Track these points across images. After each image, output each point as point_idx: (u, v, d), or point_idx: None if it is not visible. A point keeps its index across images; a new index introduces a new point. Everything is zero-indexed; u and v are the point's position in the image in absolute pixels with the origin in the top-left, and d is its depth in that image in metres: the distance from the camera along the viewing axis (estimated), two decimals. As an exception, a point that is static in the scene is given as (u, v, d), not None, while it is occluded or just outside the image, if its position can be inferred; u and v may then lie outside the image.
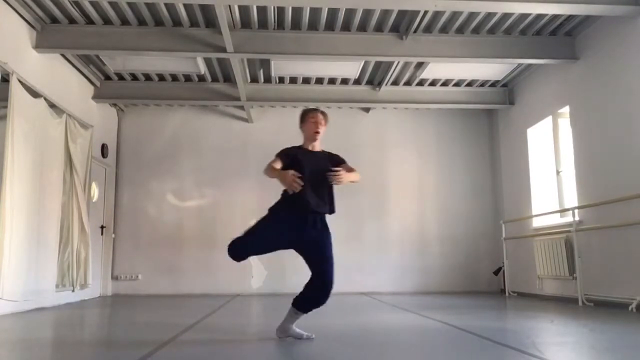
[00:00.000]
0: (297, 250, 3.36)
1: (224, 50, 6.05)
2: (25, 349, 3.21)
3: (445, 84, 7.97)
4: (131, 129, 8.57)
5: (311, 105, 8.42)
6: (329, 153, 3.55)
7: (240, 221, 7.70)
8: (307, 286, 3.30)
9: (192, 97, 7.91)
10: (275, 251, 3.38)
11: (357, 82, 7.89)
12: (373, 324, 4.27)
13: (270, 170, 3.29)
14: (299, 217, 3.27)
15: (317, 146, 3.50)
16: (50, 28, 5.95)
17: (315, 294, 3.26)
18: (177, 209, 8.39)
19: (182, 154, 8.52)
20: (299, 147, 3.50)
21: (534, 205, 7.32)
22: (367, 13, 5.86)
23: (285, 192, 3.33)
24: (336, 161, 3.47)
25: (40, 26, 5.88)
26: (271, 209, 3.38)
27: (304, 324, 3.45)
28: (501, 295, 7.71)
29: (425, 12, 5.74)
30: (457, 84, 8.00)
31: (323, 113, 3.52)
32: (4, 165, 5.02)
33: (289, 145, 3.50)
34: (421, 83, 7.90)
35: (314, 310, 3.31)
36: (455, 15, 5.91)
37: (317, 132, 3.44)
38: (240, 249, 3.34)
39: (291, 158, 3.35)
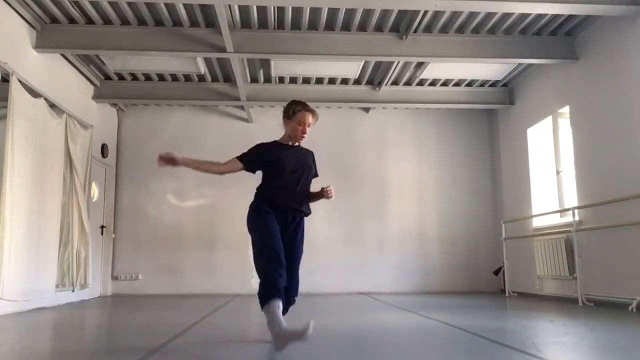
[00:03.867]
0: None
1: (224, 50, 6.05)
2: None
3: (445, 84, 7.97)
4: (131, 129, 8.58)
5: (312, 106, 8.47)
6: (305, 149, 3.35)
7: (240, 221, 7.69)
8: None
9: (192, 97, 7.91)
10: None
11: (357, 82, 7.89)
12: (373, 324, 4.27)
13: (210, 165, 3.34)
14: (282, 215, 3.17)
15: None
16: (50, 28, 5.95)
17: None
18: (177, 209, 8.39)
19: (182, 153, 8.46)
20: (276, 142, 3.33)
21: (534, 205, 7.32)
22: (367, 13, 5.85)
23: (259, 191, 3.23)
24: (312, 159, 3.32)
25: (40, 26, 5.88)
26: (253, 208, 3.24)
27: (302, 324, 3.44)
28: (501, 295, 7.71)
29: (425, 12, 5.74)
30: (457, 84, 8.00)
31: (313, 113, 3.27)
32: (4, 165, 5.02)
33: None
34: (421, 83, 7.90)
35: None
36: (455, 15, 5.91)
37: (304, 136, 3.25)
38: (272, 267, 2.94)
39: (268, 155, 3.21)
